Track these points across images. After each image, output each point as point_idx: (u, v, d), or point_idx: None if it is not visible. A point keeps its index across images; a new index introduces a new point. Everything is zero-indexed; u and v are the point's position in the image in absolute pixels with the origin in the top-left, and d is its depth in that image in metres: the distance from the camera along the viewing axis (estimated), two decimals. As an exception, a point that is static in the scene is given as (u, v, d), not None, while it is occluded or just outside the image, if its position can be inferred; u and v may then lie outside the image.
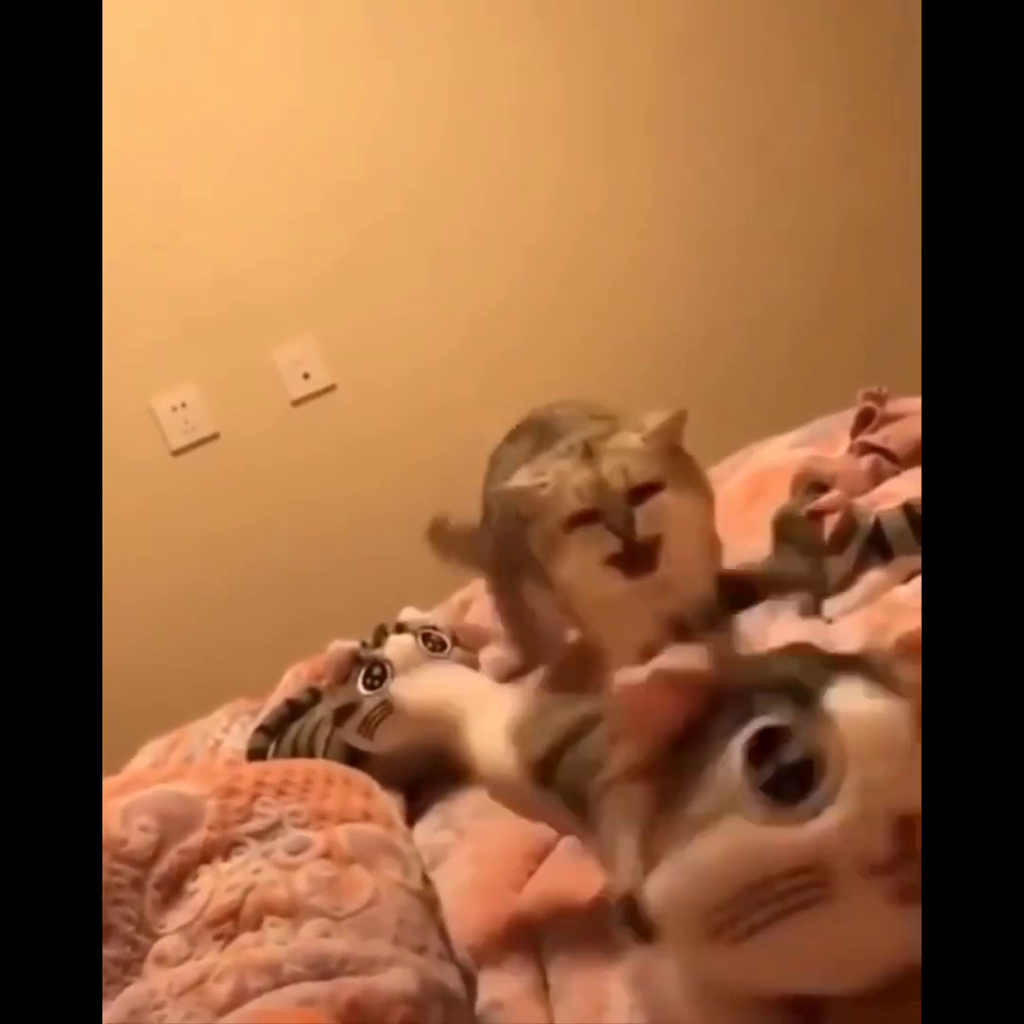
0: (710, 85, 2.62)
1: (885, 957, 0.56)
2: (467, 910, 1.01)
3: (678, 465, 1.10)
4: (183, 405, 2.55)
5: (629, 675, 0.60)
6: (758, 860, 0.55)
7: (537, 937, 0.91)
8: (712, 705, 0.60)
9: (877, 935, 0.55)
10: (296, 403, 2.59)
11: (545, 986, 0.85)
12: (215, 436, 2.57)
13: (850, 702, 0.60)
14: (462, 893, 1.06)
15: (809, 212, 2.65)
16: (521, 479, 1.12)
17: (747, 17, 2.60)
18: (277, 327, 2.55)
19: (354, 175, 2.55)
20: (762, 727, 0.58)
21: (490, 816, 1.07)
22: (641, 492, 1.05)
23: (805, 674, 0.61)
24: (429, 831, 1.24)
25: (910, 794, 0.55)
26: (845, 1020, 0.60)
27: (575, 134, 2.60)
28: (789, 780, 0.57)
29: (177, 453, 2.56)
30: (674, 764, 0.60)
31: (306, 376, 2.58)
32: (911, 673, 0.60)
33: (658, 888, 0.59)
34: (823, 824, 0.55)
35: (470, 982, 0.77)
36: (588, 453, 1.08)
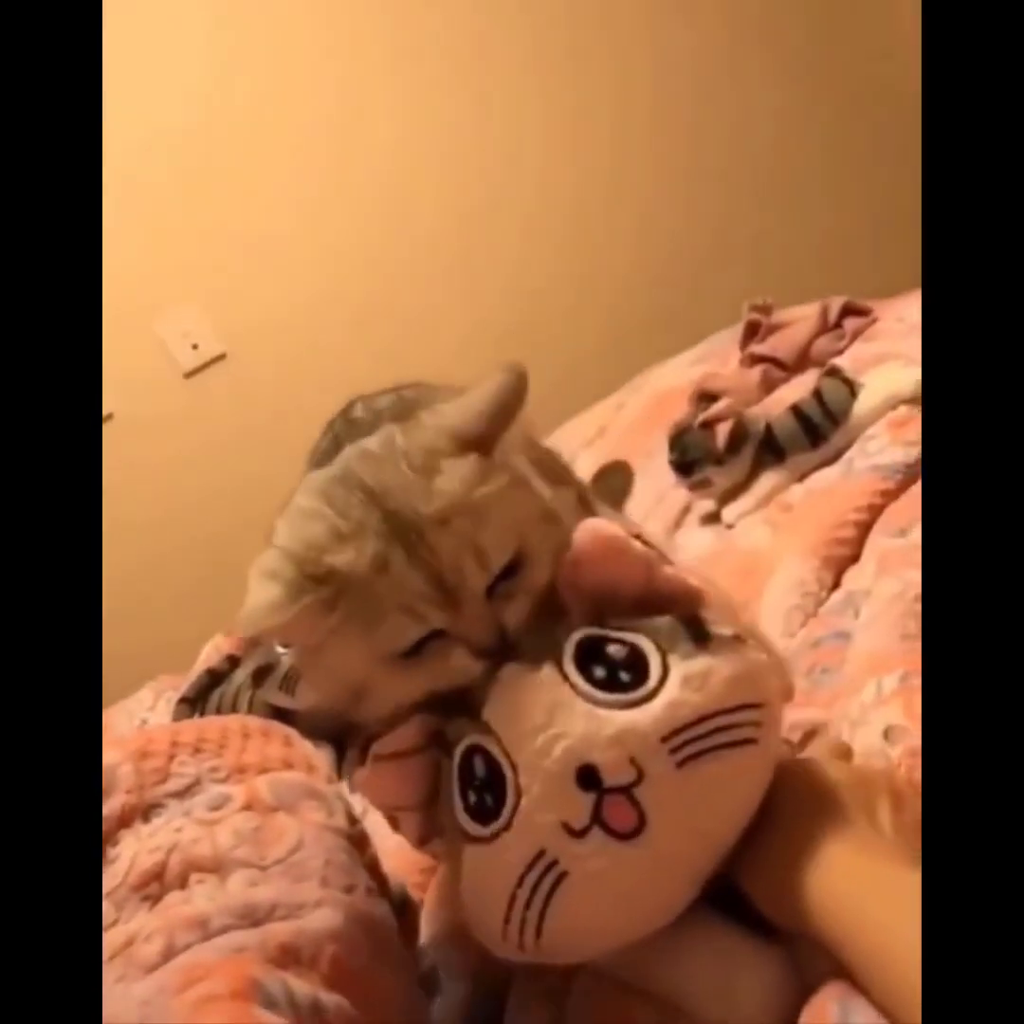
0: (569, 28, 2.60)
1: (656, 890, 0.60)
2: (407, 849, 1.02)
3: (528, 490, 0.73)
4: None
5: (360, 772, 0.66)
6: (496, 874, 0.60)
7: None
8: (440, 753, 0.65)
9: (627, 877, 0.59)
10: (188, 375, 2.54)
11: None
12: (109, 417, 2.51)
13: (496, 698, 0.63)
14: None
15: (693, 139, 2.66)
16: (270, 596, 0.67)
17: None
18: (157, 297, 2.49)
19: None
20: (461, 751, 0.62)
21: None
22: (504, 574, 0.68)
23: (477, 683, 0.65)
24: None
25: (574, 747, 0.58)
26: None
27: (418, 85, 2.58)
28: (485, 791, 0.61)
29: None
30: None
31: (195, 347, 2.53)
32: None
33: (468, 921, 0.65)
34: (520, 818, 0.59)
35: (409, 914, 0.78)
36: (405, 529, 0.66)
